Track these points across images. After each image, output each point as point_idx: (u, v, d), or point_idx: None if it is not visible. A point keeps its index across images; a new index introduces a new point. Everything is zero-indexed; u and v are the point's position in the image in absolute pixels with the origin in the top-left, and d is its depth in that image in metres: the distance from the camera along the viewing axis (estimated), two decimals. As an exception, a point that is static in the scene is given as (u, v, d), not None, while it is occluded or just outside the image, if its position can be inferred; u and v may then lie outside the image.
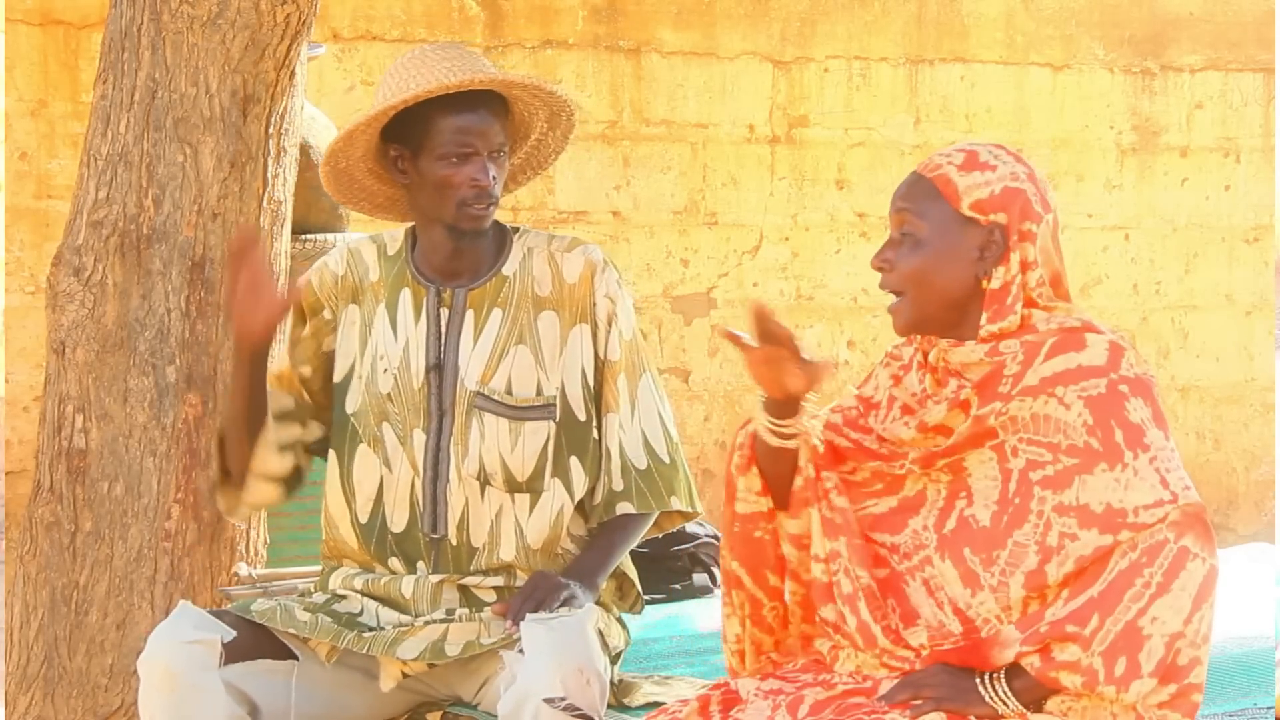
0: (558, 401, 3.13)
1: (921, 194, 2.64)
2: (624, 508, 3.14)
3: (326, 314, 3.22)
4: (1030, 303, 2.62)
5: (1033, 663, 2.49)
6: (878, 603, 2.62)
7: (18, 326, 5.94)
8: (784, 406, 2.65)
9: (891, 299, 2.66)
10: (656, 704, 3.00)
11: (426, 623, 3.07)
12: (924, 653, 2.58)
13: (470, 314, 3.15)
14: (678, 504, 3.18)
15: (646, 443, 3.17)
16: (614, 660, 3.14)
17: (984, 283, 2.61)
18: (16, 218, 5.89)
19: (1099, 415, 2.53)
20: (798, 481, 2.69)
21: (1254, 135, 7.10)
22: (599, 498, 3.17)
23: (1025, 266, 2.61)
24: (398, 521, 3.13)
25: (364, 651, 3.04)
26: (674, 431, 3.21)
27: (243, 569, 3.62)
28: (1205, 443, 7.11)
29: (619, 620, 3.22)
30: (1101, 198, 6.96)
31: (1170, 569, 2.44)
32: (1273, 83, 7.07)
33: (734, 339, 2.58)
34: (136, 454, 3.55)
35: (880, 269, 2.67)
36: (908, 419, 2.68)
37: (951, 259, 2.62)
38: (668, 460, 3.18)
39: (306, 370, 3.21)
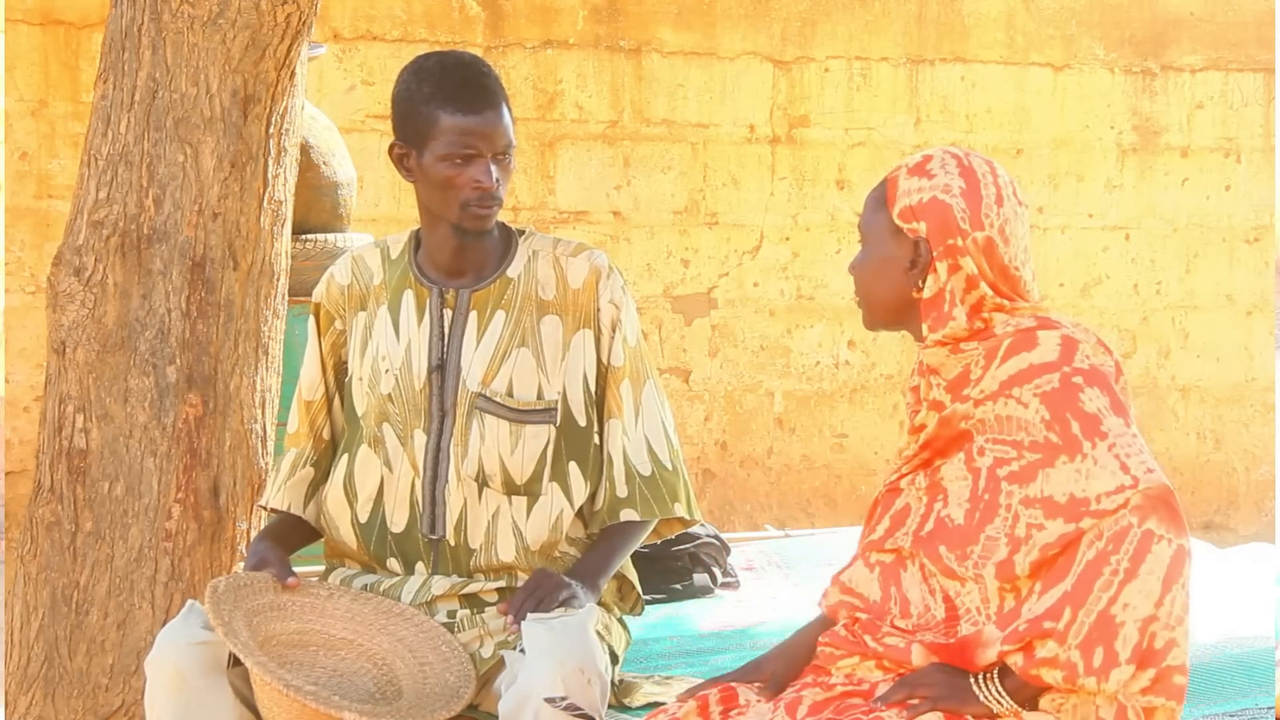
0: (559, 406, 3.13)
1: (874, 200, 2.67)
2: (628, 514, 3.15)
3: (338, 325, 3.23)
4: (991, 307, 2.61)
5: (1016, 661, 2.49)
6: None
7: (18, 326, 5.94)
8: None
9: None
10: (657, 704, 3.01)
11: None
12: (915, 637, 2.59)
13: (473, 315, 3.14)
14: (680, 510, 3.18)
15: (650, 449, 3.17)
16: (614, 660, 3.14)
17: (915, 294, 2.62)
18: (17, 218, 5.89)
19: (1055, 409, 2.53)
20: None
21: (1254, 135, 7.10)
22: (602, 504, 3.16)
23: (955, 274, 2.60)
24: (397, 522, 3.14)
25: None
26: (675, 438, 3.22)
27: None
28: (1206, 443, 7.11)
29: (620, 621, 3.22)
30: (1102, 198, 6.96)
31: (1136, 553, 2.44)
32: (1273, 83, 7.07)
33: None
34: (137, 454, 3.54)
35: (851, 274, 2.71)
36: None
37: (886, 269, 2.64)
38: (670, 467, 3.18)
39: (333, 388, 3.23)
